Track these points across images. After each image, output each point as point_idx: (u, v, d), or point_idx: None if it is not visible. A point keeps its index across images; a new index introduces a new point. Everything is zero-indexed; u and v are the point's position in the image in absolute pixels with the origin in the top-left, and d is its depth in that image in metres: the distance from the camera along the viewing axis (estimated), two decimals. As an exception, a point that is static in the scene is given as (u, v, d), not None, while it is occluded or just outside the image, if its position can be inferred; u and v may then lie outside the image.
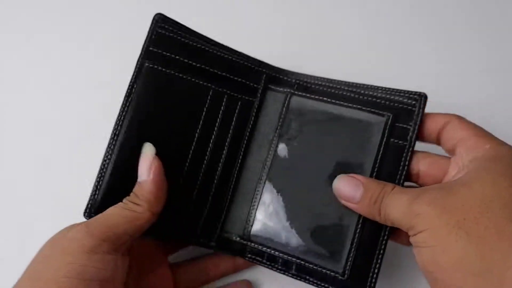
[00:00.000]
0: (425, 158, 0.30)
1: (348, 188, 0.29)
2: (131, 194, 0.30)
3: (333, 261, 0.30)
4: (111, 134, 0.31)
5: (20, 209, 0.40)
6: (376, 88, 0.32)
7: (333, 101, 0.33)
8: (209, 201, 0.33)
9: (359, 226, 0.30)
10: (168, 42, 0.33)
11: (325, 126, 0.32)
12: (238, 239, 0.33)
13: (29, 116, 0.42)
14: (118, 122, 0.31)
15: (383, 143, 0.31)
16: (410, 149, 0.31)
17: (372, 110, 0.31)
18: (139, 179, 0.30)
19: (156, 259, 0.34)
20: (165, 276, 0.33)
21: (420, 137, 0.31)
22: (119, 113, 0.32)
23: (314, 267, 0.31)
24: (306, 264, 0.31)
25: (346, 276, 0.30)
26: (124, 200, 0.29)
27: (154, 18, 0.33)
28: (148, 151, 0.31)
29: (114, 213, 0.28)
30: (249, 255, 0.32)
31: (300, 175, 0.32)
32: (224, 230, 0.33)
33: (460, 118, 0.29)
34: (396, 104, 0.32)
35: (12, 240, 0.38)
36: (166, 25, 0.33)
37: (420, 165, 0.30)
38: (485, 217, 0.22)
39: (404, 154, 0.31)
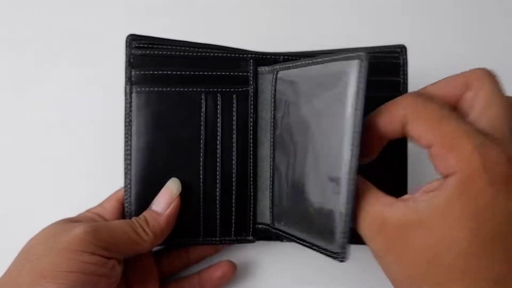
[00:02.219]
0: None
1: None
2: (142, 217, 0.31)
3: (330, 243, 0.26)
4: (124, 166, 0.32)
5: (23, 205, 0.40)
6: (358, 49, 0.34)
7: (314, 61, 0.29)
8: (233, 201, 0.33)
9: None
10: (148, 60, 0.32)
11: (311, 91, 0.29)
12: (269, 228, 0.33)
13: (35, 117, 0.42)
14: (126, 152, 0.32)
15: (359, 90, 0.25)
16: None
17: (346, 55, 0.26)
18: (154, 207, 0.31)
19: None
20: (148, 260, 0.34)
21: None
22: (125, 143, 0.32)
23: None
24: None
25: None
26: (133, 220, 0.30)
27: (126, 41, 0.32)
28: (173, 187, 0.32)
29: (121, 229, 0.29)
30: (285, 240, 0.34)
31: (299, 153, 0.30)
32: (256, 222, 0.34)
33: (415, 113, 0.23)
34: (381, 60, 0.33)
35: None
36: (141, 44, 0.32)
37: None
38: (432, 275, 0.20)
39: None
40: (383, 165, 0.28)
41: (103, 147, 0.40)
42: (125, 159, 0.32)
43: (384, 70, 0.33)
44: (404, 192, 0.33)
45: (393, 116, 0.23)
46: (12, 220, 0.39)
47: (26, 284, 0.25)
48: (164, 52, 0.33)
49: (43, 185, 0.40)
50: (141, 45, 0.32)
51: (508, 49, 0.43)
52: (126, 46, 0.32)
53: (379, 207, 0.23)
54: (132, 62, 0.32)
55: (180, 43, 0.33)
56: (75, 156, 0.40)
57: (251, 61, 0.33)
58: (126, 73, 0.32)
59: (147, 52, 0.32)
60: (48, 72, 0.42)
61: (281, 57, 0.34)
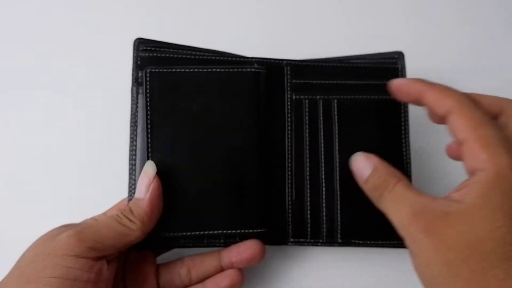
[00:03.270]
0: None
1: (360, 165, 0.29)
2: (127, 208, 0.30)
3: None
4: (129, 167, 0.32)
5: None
6: (359, 56, 0.35)
7: None
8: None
9: None
10: (154, 63, 0.33)
11: None
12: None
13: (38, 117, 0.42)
14: (131, 153, 0.32)
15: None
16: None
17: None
18: (136, 195, 0.30)
19: (145, 259, 0.33)
20: (149, 274, 0.33)
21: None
22: (130, 144, 0.32)
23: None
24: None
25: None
26: (119, 213, 0.29)
27: (134, 44, 0.33)
28: (149, 169, 0.30)
29: (107, 225, 0.29)
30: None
31: None
32: None
33: (461, 109, 0.25)
34: (381, 66, 0.35)
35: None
36: (148, 47, 0.33)
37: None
38: (473, 260, 0.21)
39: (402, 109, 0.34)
40: None
41: (106, 150, 0.40)
42: (130, 160, 0.32)
43: (384, 75, 0.34)
44: None
45: (440, 104, 0.26)
46: (10, 226, 0.38)
47: None
48: (170, 55, 0.33)
49: (41, 189, 0.39)
50: (148, 48, 0.33)
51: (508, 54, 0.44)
52: (134, 49, 0.33)
53: (421, 199, 0.24)
54: (140, 64, 0.33)
55: (185, 48, 0.34)
56: (73, 160, 0.40)
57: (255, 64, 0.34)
58: (133, 74, 0.32)
59: (154, 55, 0.33)
60: (48, 73, 0.42)
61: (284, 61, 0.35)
